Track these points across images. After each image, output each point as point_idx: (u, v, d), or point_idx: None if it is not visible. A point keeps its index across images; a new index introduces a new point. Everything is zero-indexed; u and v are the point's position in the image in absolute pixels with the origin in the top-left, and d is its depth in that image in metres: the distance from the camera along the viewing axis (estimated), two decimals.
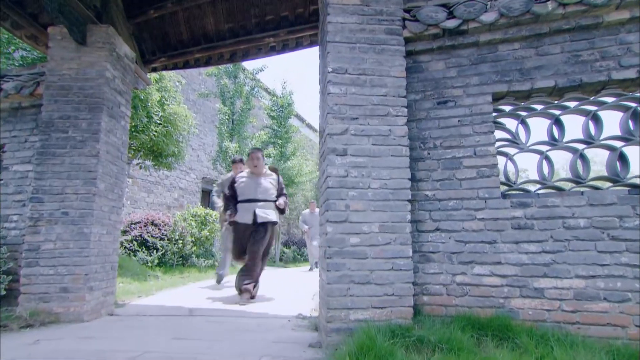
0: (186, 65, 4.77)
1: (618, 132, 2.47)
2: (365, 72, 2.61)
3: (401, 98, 2.59)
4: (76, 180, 3.27)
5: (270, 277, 7.48)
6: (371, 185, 2.48)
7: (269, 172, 4.66)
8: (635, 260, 2.20)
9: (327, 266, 2.40)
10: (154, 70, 4.88)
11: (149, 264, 7.17)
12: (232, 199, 4.57)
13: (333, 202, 2.45)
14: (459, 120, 2.61)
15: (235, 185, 4.56)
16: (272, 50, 4.38)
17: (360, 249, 2.41)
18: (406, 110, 2.58)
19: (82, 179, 3.28)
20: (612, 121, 2.52)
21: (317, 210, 9.35)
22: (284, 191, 4.76)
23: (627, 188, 2.35)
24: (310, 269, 9.85)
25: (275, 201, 4.57)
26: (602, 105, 2.48)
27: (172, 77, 7.33)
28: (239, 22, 4.14)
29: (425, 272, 2.51)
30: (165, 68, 4.90)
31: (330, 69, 2.59)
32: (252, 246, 4.33)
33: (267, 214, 4.39)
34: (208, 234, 8.84)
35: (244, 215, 4.40)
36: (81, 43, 3.41)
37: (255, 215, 4.34)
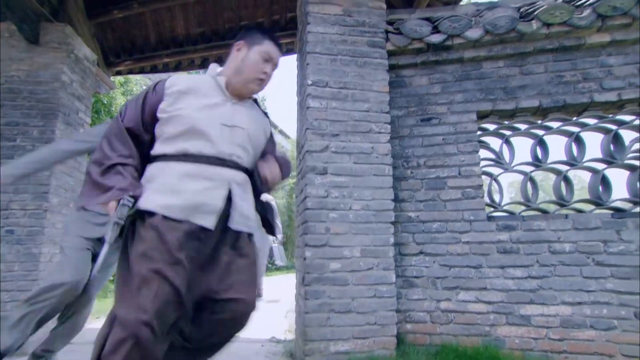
0: (154, 70, 4.48)
1: (600, 154, 2.45)
2: (346, 85, 2.47)
3: (384, 114, 2.47)
4: (24, 195, 2.93)
5: None
6: (353, 206, 2.33)
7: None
8: (620, 286, 2.16)
9: (306, 294, 2.22)
10: (119, 73, 4.56)
11: (112, 277, 6.70)
12: (129, 140, 1.38)
13: (312, 224, 2.28)
14: (443, 139, 2.52)
15: (164, 104, 1.38)
16: None
17: (341, 275, 2.26)
18: (389, 127, 2.46)
19: (32, 192, 2.94)
20: (595, 142, 2.51)
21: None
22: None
23: (610, 211, 2.32)
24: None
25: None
26: (585, 127, 2.46)
27: (139, 81, 6.96)
28: (211, 26, 3.92)
29: (409, 299, 2.38)
30: (131, 72, 4.59)
31: (310, 82, 2.43)
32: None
33: (248, 211, 1.42)
34: None
35: (183, 196, 1.28)
36: (33, 42, 3.09)
37: (231, 205, 1.34)
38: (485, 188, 2.46)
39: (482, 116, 2.56)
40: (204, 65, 4.37)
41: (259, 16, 3.76)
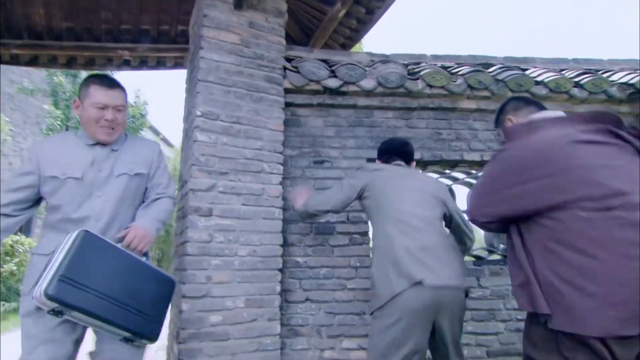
0: None
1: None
2: (239, 120, 2.31)
3: (277, 154, 2.37)
4: None
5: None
6: (239, 252, 2.15)
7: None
8: (477, 328, 2.41)
9: (180, 354, 1.95)
10: None
11: None
12: None
13: (192, 273, 2.03)
14: (334, 182, 2.52)
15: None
16: (127, 64, 3.68)
17: (221, 329, 2.04)
18: (282, 167, 2.37)
19: None
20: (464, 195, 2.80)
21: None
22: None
23: (472, 259, 2.61)
24: None
25: None
26: (456, 180, 2.74)
27: None
28: (83, 23, 3.34)
29: (293, 349, 2.27)
30: None
31: (199, 112, 2.20)
32: None
33: None
34: (15, 267, 6.93)
35: None
36: None
37: None
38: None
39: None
40: (70, 65, 3.71)
41: (145, 23, 3.34)
